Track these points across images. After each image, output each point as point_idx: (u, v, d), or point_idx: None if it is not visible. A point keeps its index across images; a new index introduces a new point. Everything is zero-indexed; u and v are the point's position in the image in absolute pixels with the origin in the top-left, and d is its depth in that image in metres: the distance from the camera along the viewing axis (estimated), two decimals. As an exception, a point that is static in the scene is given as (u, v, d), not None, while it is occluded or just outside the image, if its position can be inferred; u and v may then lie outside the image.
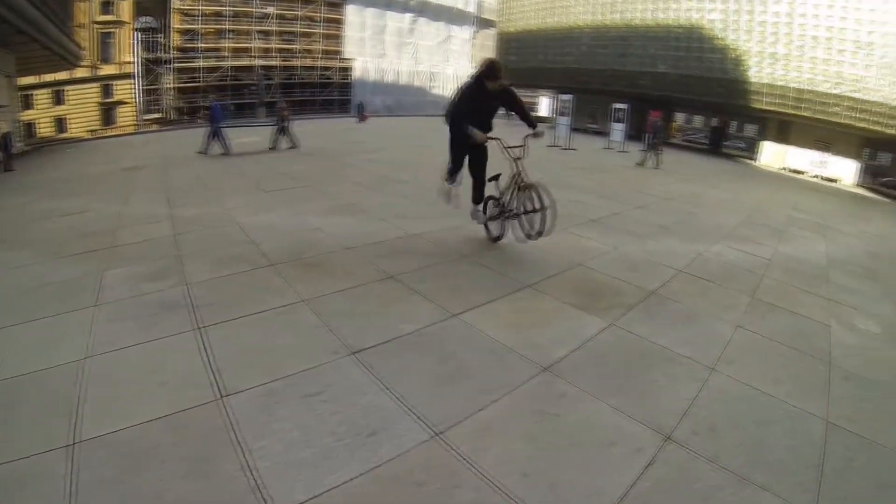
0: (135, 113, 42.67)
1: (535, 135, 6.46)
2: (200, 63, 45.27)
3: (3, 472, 2.56)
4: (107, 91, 43.05)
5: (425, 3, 55.96)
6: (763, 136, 41.00)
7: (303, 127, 22.00)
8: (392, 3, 53.61)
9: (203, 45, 45.88)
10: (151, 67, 43.72)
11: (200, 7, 45.54)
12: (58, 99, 41.39)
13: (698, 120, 54.62)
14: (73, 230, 7.57)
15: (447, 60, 58.95)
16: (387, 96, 53.10)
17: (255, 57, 47.79)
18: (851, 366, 4.76)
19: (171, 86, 44.78)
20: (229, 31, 46.79)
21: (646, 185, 14.78)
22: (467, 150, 6.48)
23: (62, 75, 39.10)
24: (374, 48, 52.95)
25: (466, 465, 2.85)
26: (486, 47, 61.47)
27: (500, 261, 6.39)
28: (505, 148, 6.29)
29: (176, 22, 44.88)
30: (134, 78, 42.69)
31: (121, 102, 43.83)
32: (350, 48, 52.08)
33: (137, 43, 42.47)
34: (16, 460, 2.65)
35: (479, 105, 6.26)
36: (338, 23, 52.10)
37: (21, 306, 4.71)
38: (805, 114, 34.03)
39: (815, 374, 4.48)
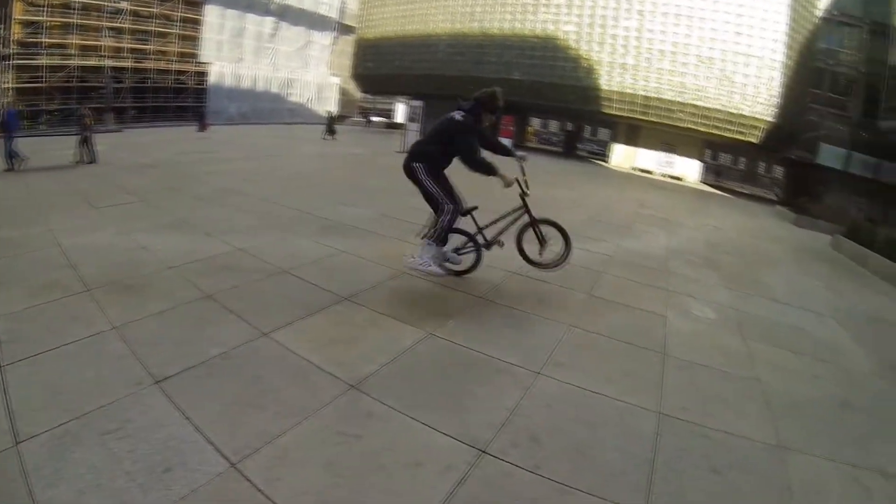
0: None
1: (523, 159, 6.02)
2: (44, 61, 40.76)
3: None
4: None
5: (287, 6, 54.77)
6: (614, 139, 43.90)
7: (142, 137, 20.59)
8: (253, 5, 51.83)
9: (48, 39, 41.42)
10: (-13, 64, 39.45)
11: None
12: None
13: (554, 125, 57.20)
14: None
15: (306, 66, 58.03)
16: (242, 103, 51.08)
17: (104, 56, 43.67)
18: (685, 354, 4.84)
19: (10, 85, 40.25)
20: (78, 25, 42.60)
21: (480, 187, 14.94)
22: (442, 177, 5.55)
23: None
24: (233, 52, 50.94)
25: (261, 497, 2.53)
26: (345, 53, 61.12)
27: (320, 272, 6.00)
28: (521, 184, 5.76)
29: (18, 12, 40.02)
30: None
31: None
32: (207, 51, 49.54)
33: None
34: None
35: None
36: (196, 23, 49.22)
37: None
38: (652, 119, 37.17)
39: (650, 368, 4.49)
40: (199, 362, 3.78)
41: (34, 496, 2.41)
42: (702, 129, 35.31)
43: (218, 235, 7.13)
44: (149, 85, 46.63)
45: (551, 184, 19.11)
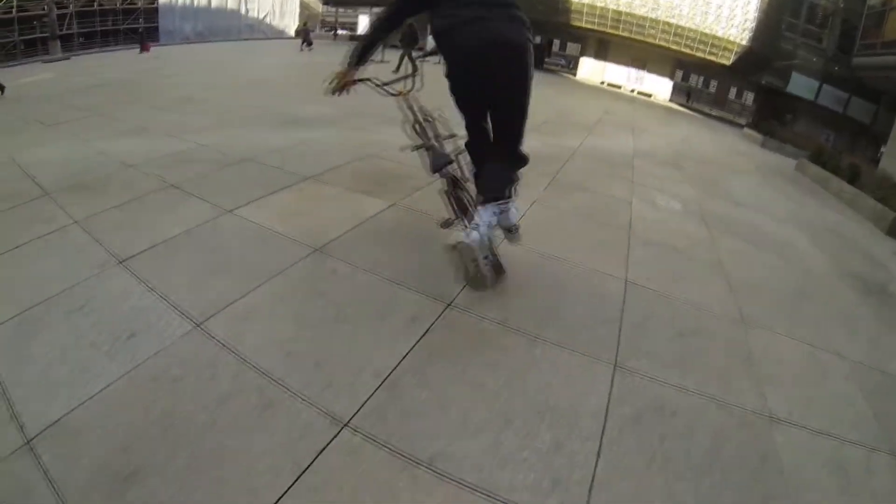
0: None
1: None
2: None
3: None
4: None
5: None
6: (584, 53, 42.98)
7: (90, 62, 19.72)
8: (203, -88, 48.82)
9: None
10: None
11: None
12: None
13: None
14: None
15: (262, -21, 55.12)
16: (197, 22, 48.57)
17: (44, -19, 41.76)
18: (650, 235, 4.94)
19: None
20: None
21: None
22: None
23: None
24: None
25: (226, 352, 2.54)
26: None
27: (284, 159, 5.90)
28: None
29: None
30: None
31: None
32: (155, -33, 47.00)
33: None
34: None
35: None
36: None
37: None
38: (623, 34, 36.05)
39: (615, 243, 4.58)
40: (162, 240, 3.74)
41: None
42: (673, 47, 34.56)
43: (178, 135, 6.93)
44: (95, 8, 44.20)
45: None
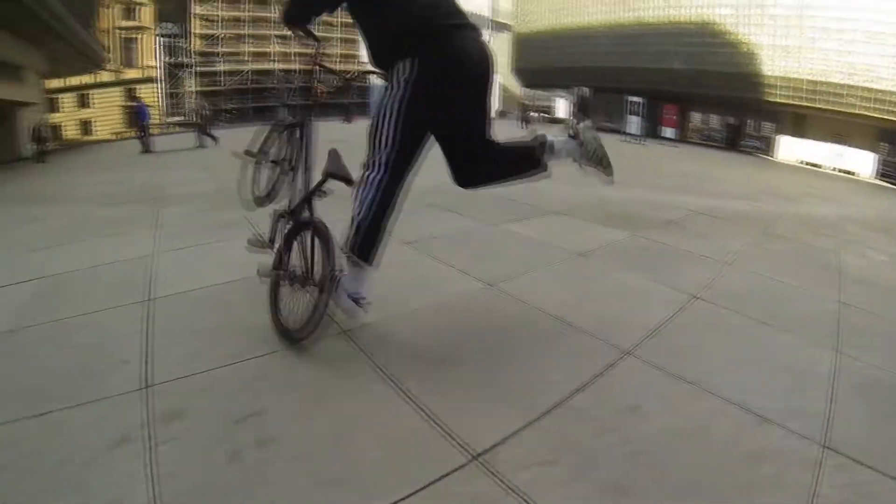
0: (159, 115, 43.75)
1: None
2: (221, 67, 46.66)
3: (99, 318, 3.09)
4: (131, 95, 44.16)
5: (440, 6, 56.38)
6: (779, 131, 40.91)
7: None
8: (409, 9, 54.21)
9: (223, 49, 47.38)
10: (174, 71, 45.42)
11: (220, 13, 47.13)
12: (83, 102, 43.24)
13: (715, 120, 54.65)
14: (110, 193, 8.49)
15: (463, 65, 59.26)
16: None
17: (275, 60, 48.76)
18: (861, 275, 5.18)
19: (194, 89, 46.08)
20: (249, 36, 48.00)
21: (665, 165, 15.58)
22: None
23: (87, 79, 40.64)
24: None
25: (518, 302, 3.39)
26: (502, 51, 61.99)
27: (526, 194, 6.77)
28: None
29: (196, 27, 46.52)
30: (157, 82, 44.38)
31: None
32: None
33: (159, 48, 44.25)
34: (105, 310, 3.21)
35: None
36: (355, 26, 52.98)
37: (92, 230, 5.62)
38: (819, 106, 33.97)
39: (826, 277, 4.93)
40: (440, 234, 5.00)
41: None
42: (875, 114, 31.61)
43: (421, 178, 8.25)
44: (316, 85, 50.21)
45: (714, 164, 19.28)
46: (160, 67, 43.96)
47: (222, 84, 46.24)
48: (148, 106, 21.66)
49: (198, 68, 45.96)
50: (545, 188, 7.74)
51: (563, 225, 5.77)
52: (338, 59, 51.61)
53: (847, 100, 32.26)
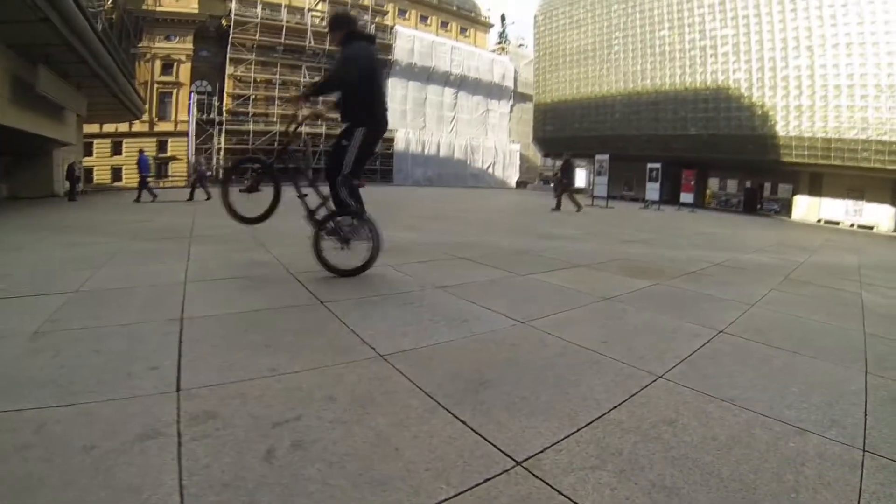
0: (186, 169, 45.20)
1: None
2: (250, 126, 48.02)
3: (132, 329, 3.23)
4: (162, 146, 46.56)
5: (464, 77, 58.60)
6: (796, 191, 41.14)
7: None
8: (432, 77, 56.28)
9: (253, 109, 48.88)
10: (204, 128, 46.85)
11: (252, 74, 48.89)
12: (116, 150, 45.16)
13: (732, 186, 54.97)
14: (142, 230, 9.10)
15: (486, 133, 61.10)
16: (428, 168, 54.94)
17: (301, 124, 49.95)
18: (885, 312, 5.25)
19: (222, 146, 47.49)
20: (278, 98, 49.21)
21: (685, 227, 15.78)
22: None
23: (122, 127, 42.95)
24: (415, 120, 55.28)
25: (551, 337, 3.43)
26: (523, 121, 63.59)
27: (554, 254, 7.23)
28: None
29: (229, 87, 48.34)
30: (188, 136, 45.77)
31: (174, 158, 47.42)
32: (392, 119, 53.84)
33: (193, 104, 45.72)
34: (138, 323, 3.36)
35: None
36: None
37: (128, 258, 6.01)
38: (835, 162, 34.33)
39: (850, 314, 4.97)
40: (470, 282, 5.03)
41: (348, 324, 3.47)
42: (891, 167, 32.00)
43: (446, 234, 8.46)
44: (341, 150, 51.79)
45: (735, 226, 19.48)
46: (192, 123, 45.32)
47: (250, 143, 47.43)
48: (147, 156, 22.81)
49: (227, 126, 47.36)
50: (568, 246, 8.06)
51: (588, 276, 5.85)
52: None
53: (862, 154, 32.76)
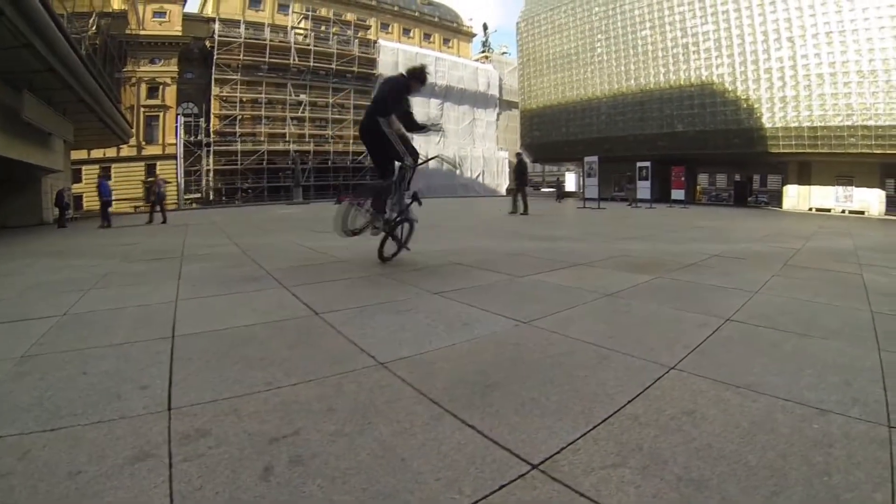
0: (176, 192, 44.88)
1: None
2: (238, 147, 48.07)
3: (121, 349, 3.14)
4: (150, 170, 45.91)
5: (449, 88, 58.61)
6: (785, 182, 41.47)
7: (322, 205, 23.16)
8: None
9: (241, 129, 48.90)
10: (192, 150, 46.80)
11: (238, 95, 48.91)
12: (105, 175, 44.13)
13: (722, 180, 55.25)
14: (133, 252, 9.09)
15: (473, 143, 61.12)
16: (417, 180, 53.97)
17: (289, 142, 50.41)
18: (888, 290, 5.20)
19: (211, 168, 47.59)
20: (265, 117, 49.62)
21: (679, 223, 15.93)
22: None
23: (110, 153, 42.63)
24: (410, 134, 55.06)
25: (556, 335, 3.33)
26: (510, 128, 63.74)
27: (550, 255, 7.16)
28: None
29: (216, 108, 48.33)
30: (176, 159, 45.48)
31: (164, 181, 46.57)
32: (380, 134, 54.24)
33: (180, 126, 45.52)
34: (128, 343, 3.26)
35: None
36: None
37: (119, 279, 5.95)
38: (822, 150, 34.76)
39: (854, 294, 4.93)
40: (469, 286, 4.88)
41: (346, 335, 3.37)
42: (877, 151, 32.60)
43: (447, 239, 8.43)
44: (330, 166, 51.83)
45: (728, 218, 19.45)
46: (179, 145, 45.23)
47: (238, 163, 47.45)
48: (109, 181, 23.50)
49: (215, 147, 47.43)
50: (564, 247, 8.03)
51: (589, 273, 5.78)
52: (351, 139, 52.90)
53: (849, 140, 33.32)
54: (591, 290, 4.75)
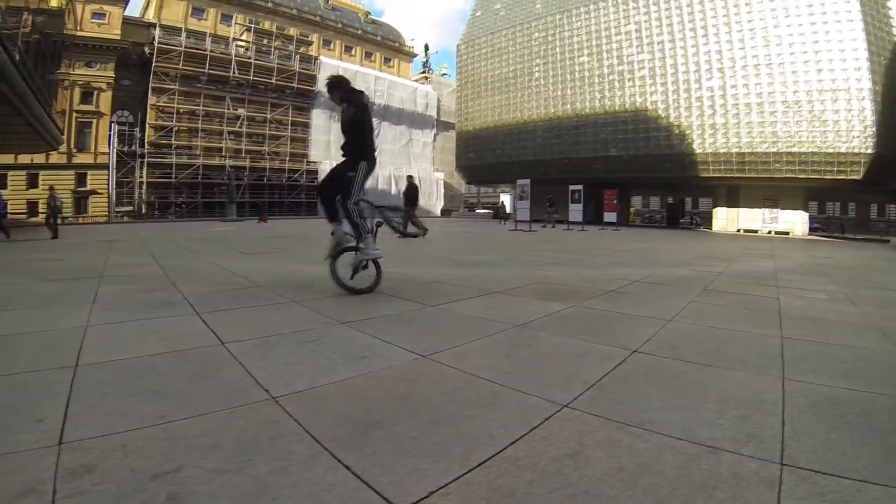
0: (107, 204, 43.57)
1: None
2: (173, 159, 46.65)
3: (20, 378, 2.98)
4: (81, 180, 44.36)
5: (387, 108, 58.59)
6: (715, 204, 43.04)
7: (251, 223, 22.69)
8: (356, 108, 56.16)
9: (177, 141, 47.63)
10: (125, 160, 44.97)
11: (175, 105, 47.72)
12: (32, 182, 42.38)
13: (655, 202, 56.67)
14: (60, 268, 8.77)
15: (409, 163, 61.00)
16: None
17: (225, 157, 49.33)
18: (801, 313, 5.39)
19: (144, 180, 45.92)
20: (202, 130, 48.61)
21: (608, 245, 16.21)
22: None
23: (38, 158, 40.47)
24: (339, 152, 54.55)
25: (452, 370, 3.25)
26: (447, 150, 64.05)
27: (470, 282, 7.09)
28: None
29: (152, 118, 46.90)
30: (108, 169, 43.82)
31: (94, 192, 45.18)
32: (316, 151, 54.04)
33: (114, 135, 43.88)
34: (27, 372, 3.10)
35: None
36: (304, 126, 54.55)
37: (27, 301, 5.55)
38: (749, 175, 36.59)
39: (767, 319, 5.05)
40: (378, 315, 4.85)
41: (245, 366, 3.33)
42: (801, 175, 34.55)
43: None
44: (265, 182, 51.08)
45: (655, 240, 19.98)
46: (112, 155, 43.51)
47: (173, 176, 46.15)
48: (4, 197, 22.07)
49: (149, 159, 45.87)
50: (485, 272, 8.04)
51: (502, 302, 5.72)
52: (287, 156, 52.31)
53: (774, 166, 35.31)
54: (500, 321, 4.68)
